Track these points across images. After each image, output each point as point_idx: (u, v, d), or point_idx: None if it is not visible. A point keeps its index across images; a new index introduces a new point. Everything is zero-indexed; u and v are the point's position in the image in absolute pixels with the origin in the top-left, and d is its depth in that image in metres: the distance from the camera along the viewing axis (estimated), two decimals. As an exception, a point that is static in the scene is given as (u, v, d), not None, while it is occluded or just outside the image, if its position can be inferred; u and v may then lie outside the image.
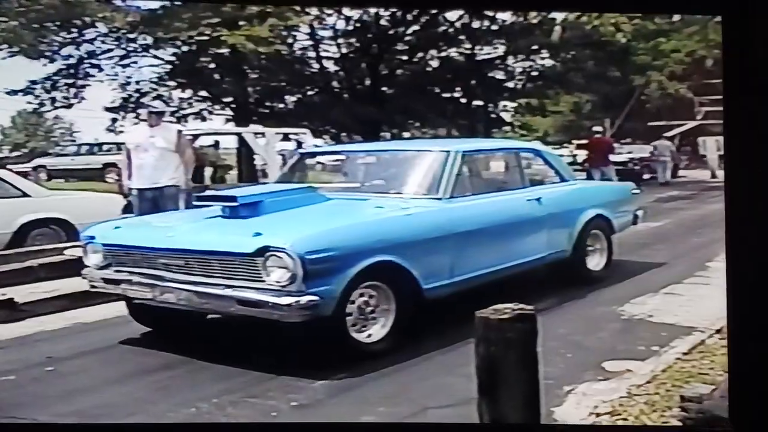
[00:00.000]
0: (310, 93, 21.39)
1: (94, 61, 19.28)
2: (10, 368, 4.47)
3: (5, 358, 4.72)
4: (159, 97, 20.00)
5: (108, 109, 19.50)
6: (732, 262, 2.54)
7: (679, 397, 3.35)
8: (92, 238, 4.96)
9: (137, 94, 19.50)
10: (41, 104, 19.75)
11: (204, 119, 19.98)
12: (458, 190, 5.23)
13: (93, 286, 5.04)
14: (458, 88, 23.06)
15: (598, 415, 3.47)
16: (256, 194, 5.08)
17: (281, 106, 21.23)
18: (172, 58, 19.30)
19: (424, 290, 4.67)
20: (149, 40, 18.48)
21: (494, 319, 2.54)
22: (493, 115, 24.53)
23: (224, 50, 17.47)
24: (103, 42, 18.83)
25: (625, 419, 3.40)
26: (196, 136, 13.20)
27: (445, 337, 4.60)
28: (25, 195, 8.32)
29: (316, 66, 21.03)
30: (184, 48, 18.37)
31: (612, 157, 15.61)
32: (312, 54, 20.83)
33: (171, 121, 19.10)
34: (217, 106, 20.48)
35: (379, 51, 20.72)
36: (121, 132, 19.27)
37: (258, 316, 4.21)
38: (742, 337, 2.51)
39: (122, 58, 19.15)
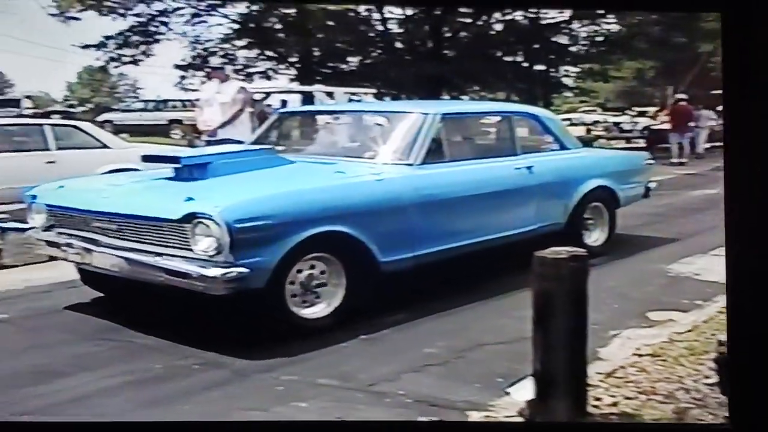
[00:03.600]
0: (373, 54, 21.65)
1: (163, 19, 19.97)
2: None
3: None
4: (225, 56, 20.63)
5: (178, 67, 20.26)
6: (732, 265, 2.73)
7: (716, 342, 3.65)
8: (35, 197, 4.71)
9: (205, 53, 20.14)
10: (112, 59, 20.55)
11: (269, 78, 20.51)
12: (433, 156, 4.82)
13: (37, 248, 4.83)
14: (520, 52, 22.99)
15: (640, 355, 3.79)
16: (203, 155, 4.72)
17: (343, 66, 21.57)
18: (240, 18, 19.83)
19: (380, 264, 4.37)
20: (218, -2, 19.03)
21: (550, 258, 2.91)
22: (553, 80, 24.39)
23: (291, 10, 17.87)
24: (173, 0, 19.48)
25: (664, 360, 3.72)
26: (268, 94, 13.68)
27: (501, 284, 4.95)
28: (105, 146, 8.92)
29: (380, 27, 21.25)
30: (253, 6, 18.86)
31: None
32: (377, 16, 21.06)
33: (237, 79, 19.82)
34: (281, 66, 20.98)
35: (442, 12, 20.78)
36: (190, 89, 20.06)
37: (186, 287, 3.89)
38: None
39: (193, 16, 19.77)
